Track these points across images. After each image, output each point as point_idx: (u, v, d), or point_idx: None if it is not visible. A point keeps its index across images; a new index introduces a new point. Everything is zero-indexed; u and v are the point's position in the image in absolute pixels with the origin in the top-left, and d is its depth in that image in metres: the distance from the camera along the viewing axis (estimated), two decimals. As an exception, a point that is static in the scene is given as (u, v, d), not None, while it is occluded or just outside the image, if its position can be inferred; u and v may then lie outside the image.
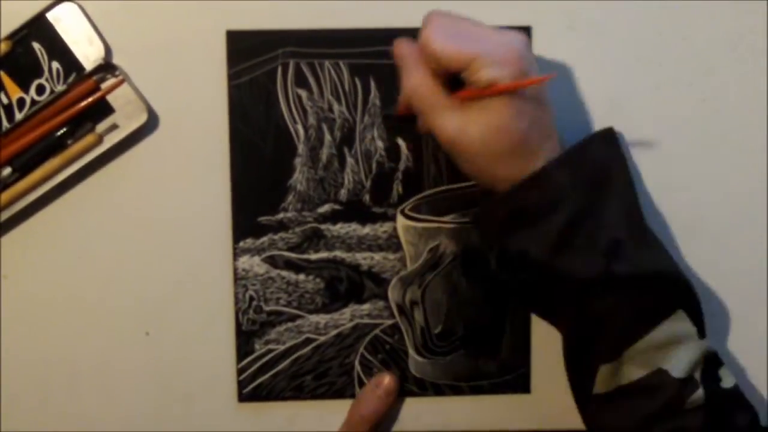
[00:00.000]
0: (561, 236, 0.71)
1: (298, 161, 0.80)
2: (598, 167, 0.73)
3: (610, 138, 0.75)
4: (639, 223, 0.74)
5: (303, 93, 0.80)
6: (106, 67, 0.79)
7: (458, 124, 0.71)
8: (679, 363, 0.71)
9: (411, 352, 0.82)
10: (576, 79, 0.81)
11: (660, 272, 0.73)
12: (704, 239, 0.83)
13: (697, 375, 0.72)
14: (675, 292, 0.74)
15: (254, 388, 0.82)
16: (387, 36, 0.79)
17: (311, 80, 0.80)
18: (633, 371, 0.72)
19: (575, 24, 0.81)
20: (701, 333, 0.74)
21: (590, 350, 0.73)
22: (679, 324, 0.72)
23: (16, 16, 0.77)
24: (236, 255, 0.80)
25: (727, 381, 0.73)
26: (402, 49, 0.73)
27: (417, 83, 0.72)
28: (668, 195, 0.82)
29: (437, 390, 0.82)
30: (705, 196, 0.82)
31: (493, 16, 0.79)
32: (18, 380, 0.81)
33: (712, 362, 0.73)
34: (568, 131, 0.80)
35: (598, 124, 0.81)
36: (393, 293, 0.81)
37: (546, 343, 0.82)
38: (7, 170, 0.78)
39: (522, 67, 0.70)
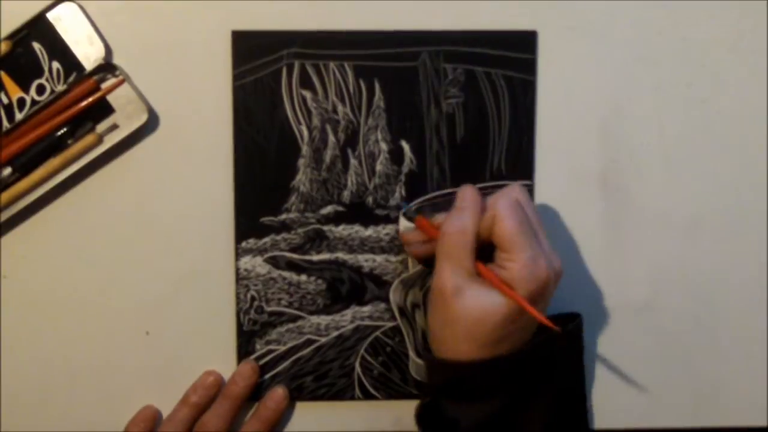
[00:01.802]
0: (490, 421, 0.73)
1: (301, 162, 0.80)
2: (546, 365, 0.75)
3: (576, 332, 0.77)
4: (560, 423, 0.76)
5: (308, 94, 0.80)
6: (107, 66, 0.78)
7: (458, 286, 0.72)
8: None
9: (411, 354, 0.82)
10: (576, 79, 0.81)
11: None
12: (704, 239, 0.83)
13: None
14: None
15: (255, 389, 0.81)
16: (392, 38, 0.79)
17: (316, 81, 0.80)
18: None
19: (576, 24, 0.81)
20: None
21: None
22: None
23: (16, 16, 0.77)
24: (238, 255, 0.80)
25: None
26: (468, 194, 0.74)
27: (461, 229, 0.72)
28: (668, 195, 0.82)
29: (437, 392, 0.82)
30: (705, 196, 0.82)
31: (493, 16, 0.79)
32: (18, 380, 0.81)
33: None
34: (569, 132, 0.80)
35: (599, 125, 0.81)
36: (394, 295, 0.81)
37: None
38: (7, 170, 0.78)
39: (541, 292, 0.71)
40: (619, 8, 0.81)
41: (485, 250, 0.73)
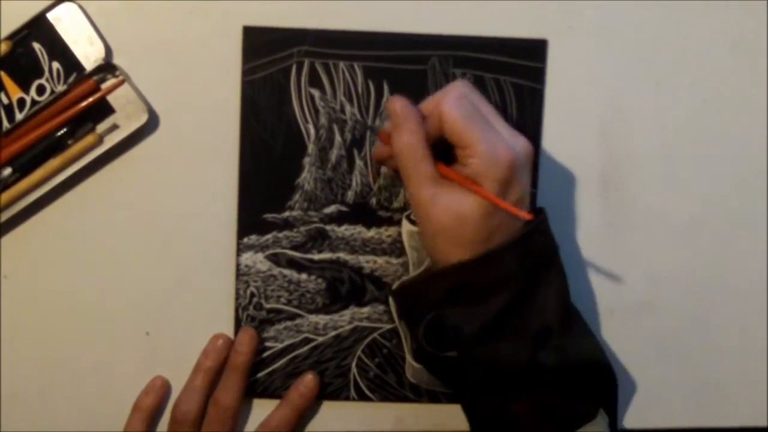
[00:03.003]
0: (496, 319, 0.72)
1: (307, 161, 0.80)
2: (541, 254, 0.74)
3: (546, 225, 0.75)
4: (568, 310, 0.75)
5: (316, 93, 0.80)
6: (107, 67, 0.78)
7: (430, 196, 0.71)
8: None
9: (408, 357, 0.82)
10: (577, 79, 0.81)
11: (585, 362, 0.74)
12: (704, 239, 0.83)
13: None
14: (598, 384, 0.75)
15: (250, 384, 0.81)
16: (402, 40, 0.79)
17: (325, 80, 0.80)
18: None
19: (576, 24, 0.81)
20: (614, 413, 0.76)
21: None
22: (597, 428, 0.73)
23: (16, 16, 0.77)
24: (240, 251, 0.80)
25: None
26: (397, 106, 0.72)
27: (406, 144, 0.72)
28: (668, 195, 0.82)
29: (432, 397, 0.82)
30: (705, 196, 0.83)
31: (503, 19, 0.79)
32: (18, 380, 0.81)
33: None
34: (570, 133, 0.80)
35: (599, 125, 0.81)
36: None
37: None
38: (7, 170, 0.78)
39: (510, 176, 0.70)
40: (620, 9, 0.81)
41: (449, 147, 0.72)
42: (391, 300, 0.80)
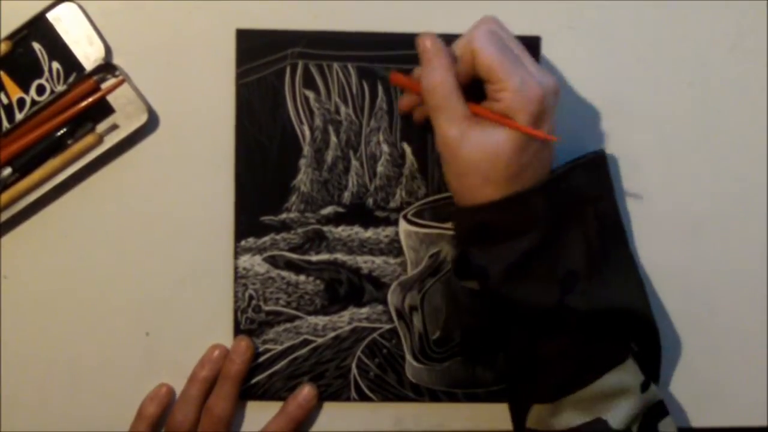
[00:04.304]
0: (520, 261, 0.71)
1: (302, 162, 0.80)
2: (575, 197, 0.74)
3: (596, 165, 0.75)
4: (599, 255, 0.75)
5: (310, 94, 0.80)
6: (107, 67, 0.78)
7: (461, 134, 0.71)
8: (619, 415, 0.71)
9: (408, 357, 0.82)
10: (576, 79, 0.81)
11: (615, 310, 0.74)
12: (704, 239, 0.83)
13: (635, 429, 0.72)
14: (629, 332, 0.75)
15: (250, 387, 0.82)
16: (396, 40, 0.79)
17: (319, 82, 0.80)
18: (572, 417, 0.72)
19: (576, 24, 0.81)
20: (655, 370, 0.75)
21: (528, 387, 0.74)
22: (625, 374, 0.73)
23: (16, 16, 0.77)
24: (237, 254, 0.80)
25: None
26: (428, 43, 0.72)
27: (438, 80, 0.71)
28: (668, 195, 0.82)
29: (433, 396, 0.82)
30: (705, 196, 0.82)
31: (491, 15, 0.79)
32: (18, 380, 0.81)
33: (653, 416, 0.73)
34: (569, 132, 0.80)
35: (599, 125, 0.81)
36: (392, 298, 0.81)
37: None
38: (7, 170, 0.78)
39: (541, 110, 0.70)
40: (620, 8, 0.81)
41: (477, 89, 0.72)
42: (389, 298, 0.80)
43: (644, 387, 0.73)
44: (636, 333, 0.76)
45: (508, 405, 0.77)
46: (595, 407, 0.72)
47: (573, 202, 0.74)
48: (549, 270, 0.72)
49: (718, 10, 0.82)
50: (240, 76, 0.79)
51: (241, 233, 0.80)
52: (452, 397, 0.82)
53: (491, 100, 0.71)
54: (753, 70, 0.82)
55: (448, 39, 0.78)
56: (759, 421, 0.84)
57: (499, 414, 0.82)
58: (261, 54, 0.79)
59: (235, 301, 0.81)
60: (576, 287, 0.72)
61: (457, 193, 0.73)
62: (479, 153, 0.70)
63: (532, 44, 0.80)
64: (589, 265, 0.74)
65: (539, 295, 0.72)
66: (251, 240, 0.80)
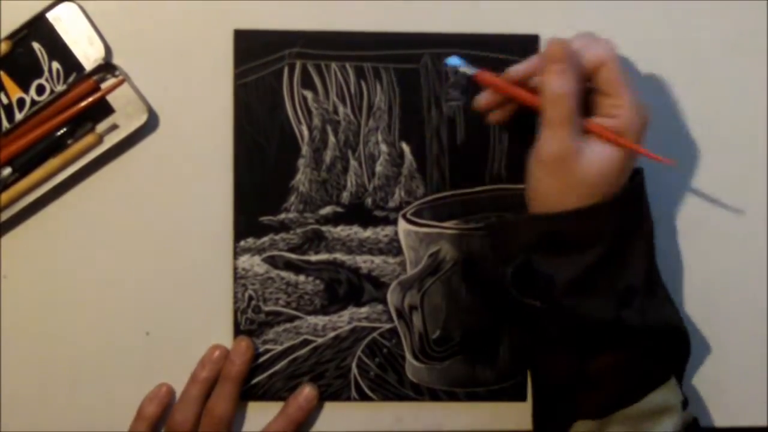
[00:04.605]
0: (588, 273, 0.71)
1: (301, 162, 0.80)
2: (636, 213, 0.74)
3: (643, 186, 0.75)
4: (653, 272, 0.75)
5: (309, 94, 0.80)
6: (106, 67, 0.79)
7: (578, 148, 0.70)
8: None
9: (408, 356, 0.82)
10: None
11: (665, 327, 0.74)
12: (704, 239, 0.83)
13: None
14: (674, 348, 0.75)
15: (251, 388, 0.81)
16: (394, 40, 0.79)
17: (317, 82, 0.80)
18: None
19: (576, 24, 0.81)
20: (680, 378, 0.76)
21: (571, 402, 0.73)
22: (669, 393, 0.73)
23: (16, 16, 0.77)
24: (236, 254, 0.80)
25: None
26: (559, 50, 0.71)
27: (569, 92, 0.70)
28: (668, 195, 0.82)
29: (433, 395, 0.82)
30: (705, 197, 0.82)
31: (495, 16, 0.79)
32: (18, 380, 0.81)
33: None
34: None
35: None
36: (392, 297, 0.81)
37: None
38: (7, 170, 0.78)
39: (644, 133, 0.71)
40: (619, 8, 0.81)
41: None
42: (388, 298, 0.80)
43: (684, 405, 0.74)
44: (676, 348, 0.76)
45: (533, 420, 0.77)
46: (642, 424, 0.72)
47: (636, 216, 0.74)
48: (611, 283, 0.72)
49: (718, 10, 0.81)
50: (238, 76, 0.79)
51: (240, 233, 0.80)
52: (453, 397, 0.82)
53: (603, 116, 0.71)
54: (753, 70, 0.82)
55: (448, 39, 0.79)
56: (759, 421, 0.84)
57: (499, 413, 0.82)
58: (259, 54, 0.79)
59: (235, 302, 0.81)
60: (634, 302, 0.72)
61: (537, 201, 0.73)
62: (593, 168, 0.71)
63: (530, 43, 0.80)
64: (648, 280, 0.74)
65: (598, 308, 0.72)
66: (250, 240, 0.80)
